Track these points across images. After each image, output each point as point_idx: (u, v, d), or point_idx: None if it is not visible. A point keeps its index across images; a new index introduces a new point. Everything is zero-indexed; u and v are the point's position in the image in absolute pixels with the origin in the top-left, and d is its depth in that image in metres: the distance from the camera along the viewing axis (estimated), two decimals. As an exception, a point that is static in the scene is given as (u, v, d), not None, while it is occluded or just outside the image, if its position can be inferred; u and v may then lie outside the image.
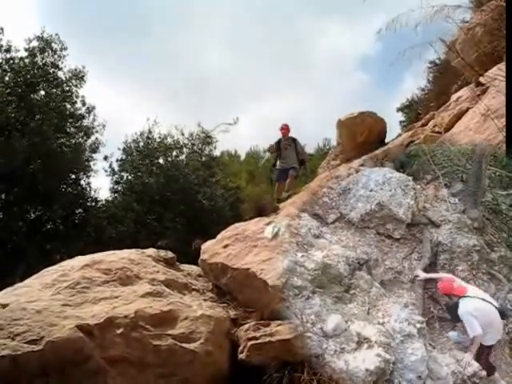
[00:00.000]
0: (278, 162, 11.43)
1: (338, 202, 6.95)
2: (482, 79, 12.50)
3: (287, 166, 11.16)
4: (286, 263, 5.12)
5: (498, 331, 5.59)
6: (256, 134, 42.42)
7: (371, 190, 6.69)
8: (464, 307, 5.59)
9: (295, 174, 11.23)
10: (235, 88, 54.76)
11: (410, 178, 7.03)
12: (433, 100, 17.60)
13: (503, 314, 5.60)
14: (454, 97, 13.44)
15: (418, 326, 4.99)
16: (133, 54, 55.05)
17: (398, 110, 22.93)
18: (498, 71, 10.69)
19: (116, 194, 17.72)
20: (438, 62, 18.87)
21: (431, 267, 6.24)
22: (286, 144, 11.43)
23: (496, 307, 5.59)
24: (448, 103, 13.55)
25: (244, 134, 40.80)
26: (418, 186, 7.05)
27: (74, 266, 5.22)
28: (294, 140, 11.61)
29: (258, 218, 6.73)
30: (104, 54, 52.27)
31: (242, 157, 29.10)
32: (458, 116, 11.68)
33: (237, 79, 56.50)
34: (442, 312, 5.82)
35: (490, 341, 5.57)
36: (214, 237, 6.77)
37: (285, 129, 11.60)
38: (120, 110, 38.83)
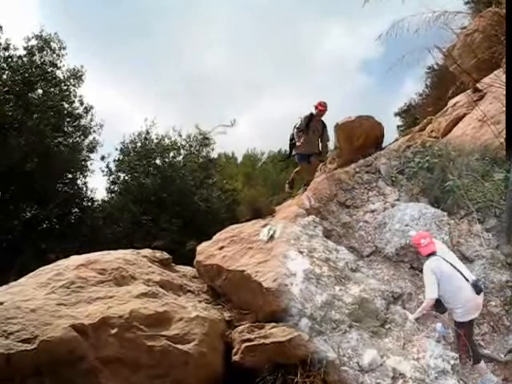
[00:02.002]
0: (299, 145, 9.83)
1: (374, 236, 6.96)
2: (479, 85, 12.55)
3: (309, 151, 9.82)
4: (324, 297, 5.10)
5: (471, 307, 5.49)
6: (255, 135, 42.39)
7: (406, 225, 6.70)
8: (429, 266, 5.59)
9: (317, 160, 9.96)
10: (235, 89, 54.70)
11: (445, 213, 7.03)
12: (430, 105, 17.62)
13: (478, 288, 5.52)
14: (451, 102, 13.48)
15: (452, 362, 4.98)
16: (132, 54, 55.00)
17: (396, 114, 23.02)
18: (496, 77, 10.74)
19: (112, 194, 17.70)
20: (435, 67, 18.96)
21: None
22: (316, 126, 9.87)
23: (466, 279, 5.53)
24: (445, 108, 13.58)
25: (243, 136, 40.73)
26: (452, 221, 7.02)
27: (69, 265, 5.21)
28: (324, 125, 10.08)
29: (253, 221, 6.74)
30: (103, 54, 52.23)
31: (239, 159, 29.12)
32: (455, 121, 11.71)
33: (237, 80, 56.45)
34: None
35: (462, 317, 5.51)
36: (209, 238, 6.78)
37: (322, 107, 9.79)
38: (118, 110, 38.73)
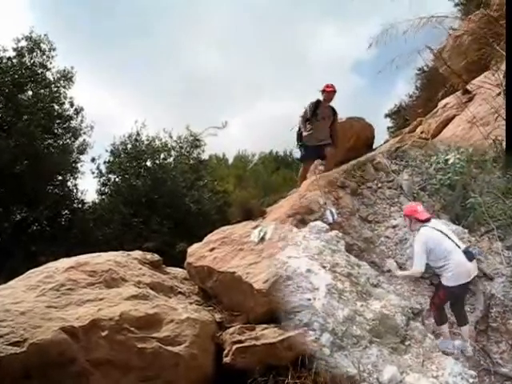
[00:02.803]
0: (306, 134, 8.95)
1: (395, 252, 7.00)
2: (468, 87, 12.64)
3: (317, 141, 8.92)
4: (346, 312, 5.11)
5: (462, 272, 5.55)
6: (247, 136, 42.39)
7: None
8: (419, 235, 5.67)
9: (333, 151, 9.06)
10: (229, 90, 54.78)
11: (466, 230, 7.08)
12: (420, 106, 17.76)
13: (469, 254, 5.58)
14: (441, 103, 13.58)
15: (471, 380, 4.99)
16: (127, 55, 55.09)
17: (387, 115, 23.14)
18: (485, 79, 10.82)
19: (103, 196, 17.58)
20: (426, 69, 19.10)
21: (483, 320, 6.25)
22: (325, 112, 8.95)
23: (458, 246, 5.61)
24: (435, 110, 13.69)
25: (234, 137, 40.76)
26: (473, 239, 7.05)
27: (59, 267, 5.19)
28: (334, 111, 9.13)
29: (244, 222, 6.75)
30: (96, 55, 52.29)
31: (231, 160, 29.09)
32: (445, 123, 11.83)
33: (231, 81, 56.57)
34: (492, 365, 5.79)
35: (451, 280, 5.56)
36: (200, 240, 6.77)
37: (330, 88, 8.89)
38: (110, 112, 38.66)
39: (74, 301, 4.60)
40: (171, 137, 18.29)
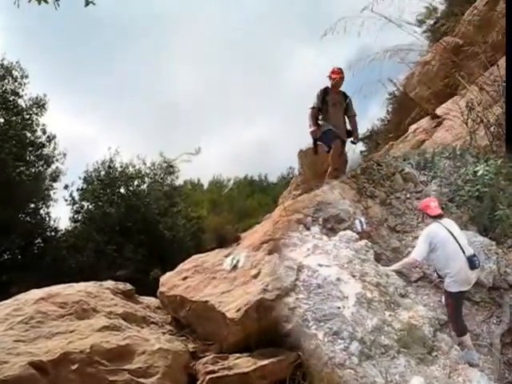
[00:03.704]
0: (313, 129, 8.27)
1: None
2: (438, 111, 12.94)
3: (337, 131, 8.24)
4: (374, 321, 5.12)
5: (462, 279, 5.62)
6: (224, 161, 42.51)
7: None
8: (427, 229, 5.76)
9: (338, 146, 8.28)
10: (205, 114, 54.82)
11: (493, 242, 7.11)
12: (392, 131, 18.05)
13: (472, 263, 5.64)
14: (411, 128, 13.86)
15: None
16: (99, 81, 54.82)
17: (359, 139, 23.41)
18: (452, 105, 11.09)
19: (76, 224, 17.46)
20: (396, 93, 19.45)
21: (509, 332, 6.29)
22: (336, 98, 8.34)
23: (463, 251, 5.66)
24: (406, 134, 13.94)
25: (212, 161, 40.88)
26: (500, 251, 7.10)
27: (29, 299, 5.11)
28: (346, 96, 8.52)
29: (217, 250, 6.73)
30: (69, 81, 51.91)
31: (206, 185, 29.12)
32: (415, 147, 12.02)
33: (207, 105, 56.59)
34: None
35: (452, 287, 5.63)
36: (174, 267, 6.74)
37: (336, 74, 8.32)
38: (83, 139, 38.48)
39: (43, 334, 4.53)
40: (145, 163, 18.34)
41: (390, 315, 5.39)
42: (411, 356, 5.10)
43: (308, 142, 9.46)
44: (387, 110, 21.07)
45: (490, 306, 6.67)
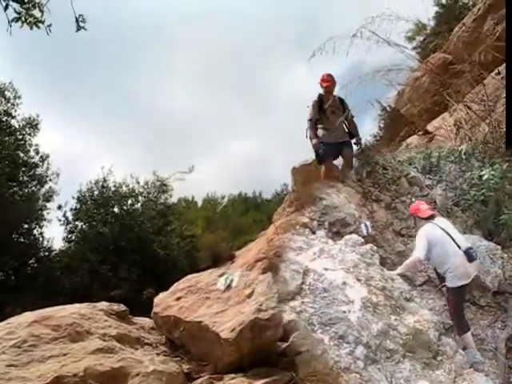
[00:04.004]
0: (321, 132, 8.30)
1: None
2: (429, 127, 13.04)
3: (339, 138, 8.28)
4: (380, 325, 5.19)
5: (462, 273, 5.68)
6: (218, 178, 42.57)
7: None
8: (423, 229, 5.79)
9: (352, 151, 8.50)
10: (200, 131, 54.97)
11: (498, 246, 7.24)
12: (384, 146, 18.11)
13: (469, 256, 5.69)
14: (403, 144, 13.90)
15: None
16: (92, 102, 54.97)
17: (361, 140, 23.52)
18: (442, 121, 11.19)
19: (70, 244, 17.43)
20: (388, 109, 19.57)
21: None
22: (333, 104, 8.25)
23: (459, 246, 5.71)
24: (398, 150, 13.98)
25: (204, 179, 40.88)
26: (505, 255, 7.21)
27: (22, 322, 5.06)
28: (342, 101, 8.46)
29: (210, 270, 6.72)
30: (62, 100, 52.01)
31: (200, 203, 29.10)
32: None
33: (202, 122, 56.78)
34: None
35: (453, 281, 5.68)
36: (169, 286, 6.71)
37: (327, 81, 8.28)
38: (76, 158, 38.50)
39: (36, 357, 4.48)
40: (138, 182, 18.41)
41: (395, 319, 5.45)
42: (416, 360, 5.16)
43: (301, 158, 9.43)
44: (379, 126, 21.16)
45: (495, 311, 6.79)
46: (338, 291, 5.42)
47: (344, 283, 5.54)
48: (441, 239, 5.84)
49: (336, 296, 5.36)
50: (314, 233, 7.00)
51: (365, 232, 7.19)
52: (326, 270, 5.70)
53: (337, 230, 7.24)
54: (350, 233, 7.02)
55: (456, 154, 8.91)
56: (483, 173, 8.03)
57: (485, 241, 7.27)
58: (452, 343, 5.64)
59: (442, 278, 6.26)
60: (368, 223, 7.35)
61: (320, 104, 8.28)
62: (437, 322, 5.75)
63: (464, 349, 5.80)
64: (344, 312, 5.18)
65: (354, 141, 8.76)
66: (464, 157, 8.76)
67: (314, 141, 8.25)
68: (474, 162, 8.75)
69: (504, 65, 10.44)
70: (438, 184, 8.65)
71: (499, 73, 11.18)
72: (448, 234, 5.89)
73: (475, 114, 9.22)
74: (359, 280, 5.71)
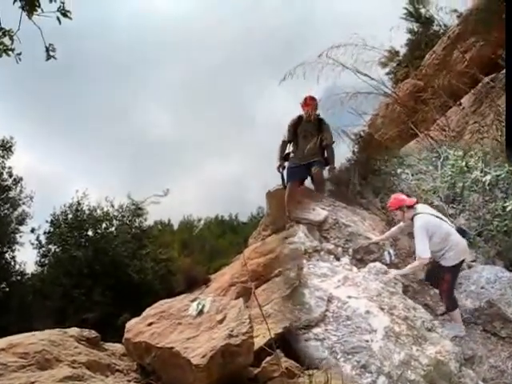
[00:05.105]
0: (291, 155, 8.50)
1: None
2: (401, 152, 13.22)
3: (304, 160, 8.34)
4: (402, 356, 5.18)
5: (461, 249, 5.83)
6: (195, 200, 42.46)
7: (482, 287, 6.86)
8: (419, 222, 5.87)
9: (321, 170, 8.43)
10: (177, 153, 54.83)
11: None
12: (360, 171, 18.27)
13: (462, 232, 5.85)
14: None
15: None
16: (67, 124, 54.55)
17: (327, 180, 23.68)
18: (417, 145, 11.40)
19: (43, 268, 17.22)
20: (362, 134, 19.79)
21: None
22: (308, 129, 8.32)
23: (450, 224, 5.88)
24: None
25: (183, 202, 40.74)
26: None
27: (-11, 351, 5.00)
28: (320, 122, 8.45)
29: (183, 295, 6.70)
30: (36, 121, 51.55)
31: (176, 226, 28.99)
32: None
33: (179, 144, 56.62)
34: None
35: (454, 259, 5.78)
36: (143, 310, 6.66)
37: (308, 104, 8.31)
38: (50, 181, 38.14)
39: (2, 387, 4.42)
40: (113, 206, 18.29)
41: (417, 350, 5.49)
42: (437, 392, 5.15)
43: (276, 181, 9.50)
44: (353, 151, 21.38)
45: (516, 343, 6.80)
46: (361, 320, 5.46)
47: (367, 312, 5.58)
48: (437, 223, 6.08)
49: (359, 324, 5.40)
50: (338, 259, 7.07)
51: (388, 260, 7.26)
52: (349, 297, 5.76)
53: (361, 257, 7.33)
54: (374, 260, 7.12)
55: (480, 185, 9.03)
56: (507, 204, 8.14)
57: (507, 272, 7.27)
58: (472, 374, 5.67)
59: (430, 278, 6.46)
60: (391, 251, 7.43)
61: (296, 126, 8.41)
62: (457, 352, 5.77)
63: (484, 380, 5.88)
64: (367, 341, 5.20)
65: (327, 168, 8.82)
66: (488, 187, 8.86)
67: (277, 163, 8.47)
68: (497, 193, 8.88)
69: (465, 97, 10.79)
70: (461, 213, 8.77)
71: (460, 104, 11.49)
72: (437, 216, 6.13)
73: (436, 143, 9.43)
74: (382, 309, 5.75)
